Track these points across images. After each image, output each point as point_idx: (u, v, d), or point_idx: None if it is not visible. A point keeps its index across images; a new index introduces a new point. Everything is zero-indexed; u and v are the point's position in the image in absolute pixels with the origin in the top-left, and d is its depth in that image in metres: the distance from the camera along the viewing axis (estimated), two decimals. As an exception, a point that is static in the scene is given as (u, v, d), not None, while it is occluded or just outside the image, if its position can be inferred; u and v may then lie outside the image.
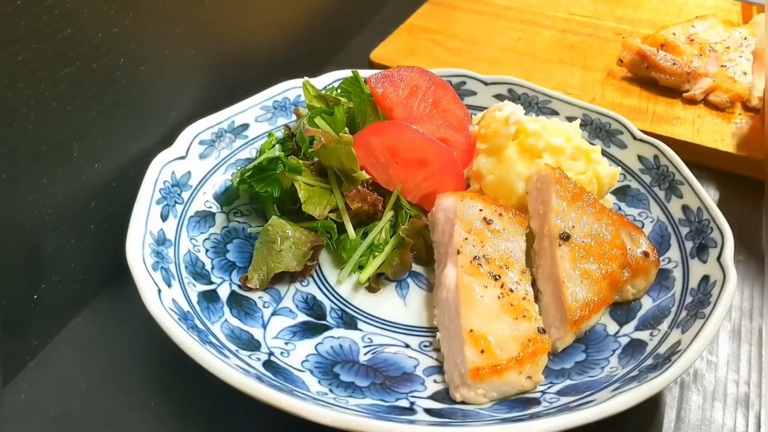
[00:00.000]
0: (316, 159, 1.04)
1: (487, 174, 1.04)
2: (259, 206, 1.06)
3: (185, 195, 1.01)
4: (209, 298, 0.91)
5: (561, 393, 0.82)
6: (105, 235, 0.95)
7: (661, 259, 0.98)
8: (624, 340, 0.90)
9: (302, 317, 0.93)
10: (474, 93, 1.26)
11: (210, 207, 1.04)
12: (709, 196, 1.00)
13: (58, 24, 0.80)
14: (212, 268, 0.96)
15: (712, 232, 0.95)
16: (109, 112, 0.93)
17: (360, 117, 1.10)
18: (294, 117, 1.17)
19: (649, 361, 0.83)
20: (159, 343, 0.79)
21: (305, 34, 1.44)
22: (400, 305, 0.98)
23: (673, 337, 0.85)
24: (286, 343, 0.89)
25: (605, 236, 0.93)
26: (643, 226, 1.04)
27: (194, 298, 0.89)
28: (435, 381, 0.86)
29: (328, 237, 1.00)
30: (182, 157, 1.03)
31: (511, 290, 0.88)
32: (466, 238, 0.93)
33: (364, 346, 0.90)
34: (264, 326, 0.91)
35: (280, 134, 1.13)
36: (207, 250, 0.98)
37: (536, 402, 0.81)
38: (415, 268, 1.03)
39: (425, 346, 0.91)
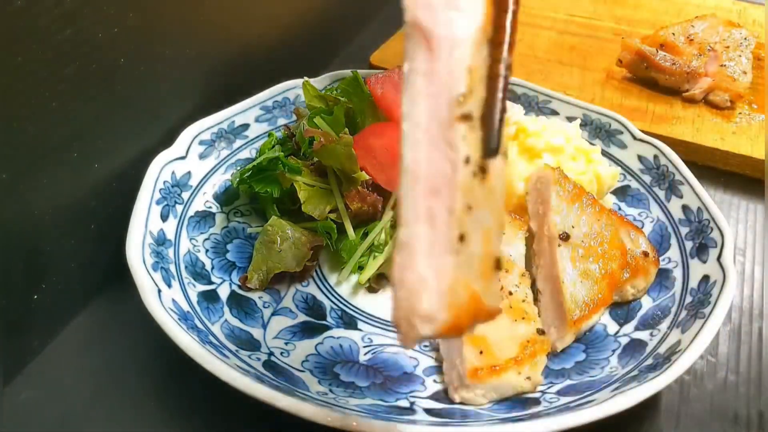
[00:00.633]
0: (315, 159, 1.04)
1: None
2: (259, 206, 1.06)
3: (185, 195, 1.01)
4: (209, 298, 0.91)
5: (561, 393, 0.82)
6: (105, 235, 0.95)
7: (661, 259, 0.98)
8: (624, 340, 0.90)
9: (302, 317, 0.93)
10: (474, 93, 1.26)
11: (210, 207, 1.04)
12: (709, 196, 1.00)
13: (58, 24, 0.80)
14: (212, 268, 0.96)
15: (712, 232, 0.95)
16: (109, 112, 0.93)
17: (360, 117, 1.10)
18: (294, 117, 1.17)
19: (649, 361, 0.83)
20: (159, 343, 0.79)
21: (305, 34, 1.44)
22: (400, 305, 0.98)
23: (673, 337, 0.85)
24: (286, 343, 0.89)
25: (605, 236, 0.93)
26: (643, 226, 1.04)
27: (194, 298, 0.89)
28: (435, 381, 0.86)
29: (327, 237, 1.00)
30: (182, 158, 1.03)
31: (511, 293, 0.88)
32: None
33: (364, 346, 0.90)
34: (264, 326, 0.91)
35: (280, 134, 1.13)
36: (207, 251, 0.98)
37: (536, 402, 0.81)
38: (415, 268, 1.03)
39: (425, 346, 0.91)
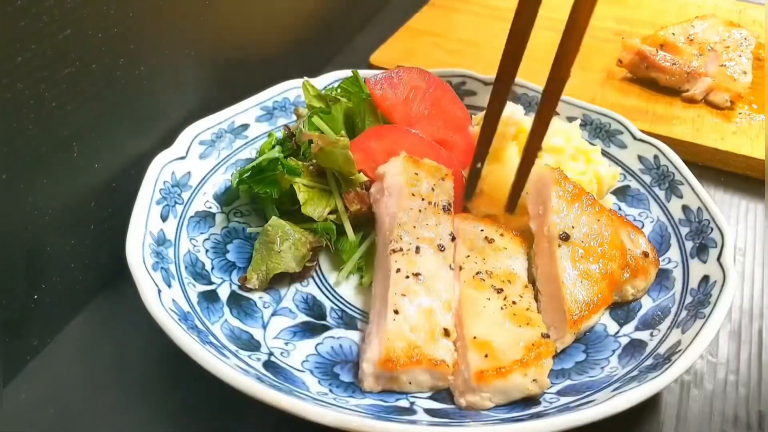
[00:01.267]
0: (315, 160, 1.04)
1: (487, 175, 1.04)
2: (258, 207, 1.06)
3: (185, 195, 1.01)
4: (209, 298, 0.91)
5: (561, 393, 0.82)
6: (105, 235, 0.95)
7: (661, 259, 0.98)
8: (624, 340, 0.90)
9: (302, 317, 0.93)
10: (474, 93, 1.26)
11: (210, 207, 1.04)
12: (709, 196, 1.00)
13: (58, 24, 0.80)
14: (212, 268, 0.96)
15: (712, 232, 0.95)
16: (109, 113, 0.93)
17: (359, 117, 1.10)
18: (294, 117, 1.17)
19: (649, 361, 0.83)
20: (159, 343, 0.79)
21: (305, 34, 1.44)
22: (400, 305, 0.98)
23: (673, 337, 0.85)
24: (286, 344, 0.89)
25: (605, 236, 0.93)
26: (643, 226, 1.04)
27: (194, 299, 0.89)
28: (435, 381, 0.86)
29: (327, 238, 1.00)
30: (182, 158, 1.03)
31: (514, 302, 0.88)
32: (468, 255, 0.94)
33: (364, 347, 0.90)
34: (264, 326, 0.91)
35: (279, 134, 1.13)
36: (207, 251, 0.98)
37: (536, 402, 0.81)
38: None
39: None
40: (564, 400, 0.80)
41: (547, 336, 0.84)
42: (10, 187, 0.80)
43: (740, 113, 1.36)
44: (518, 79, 1.24)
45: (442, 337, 0.83)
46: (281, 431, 0.79)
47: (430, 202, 0.95)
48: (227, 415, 0.83)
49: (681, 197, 1.03)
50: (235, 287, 0.95)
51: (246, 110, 1.14)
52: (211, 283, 0.94)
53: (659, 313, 0.91)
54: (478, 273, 0.92)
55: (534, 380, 0.80)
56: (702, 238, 0.96)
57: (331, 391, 0.82)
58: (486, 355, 0.82)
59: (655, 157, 1.10)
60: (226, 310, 0.91)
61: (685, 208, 1.02)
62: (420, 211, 0.94)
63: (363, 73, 1.16)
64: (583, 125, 1.16)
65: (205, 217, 1.02)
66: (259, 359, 0.84)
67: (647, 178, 1.09)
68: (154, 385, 0.88)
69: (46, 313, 0.90)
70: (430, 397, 0.83)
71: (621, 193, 1.11)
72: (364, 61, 1.52)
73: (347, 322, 0.94)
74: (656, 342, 0.86)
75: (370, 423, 0.72)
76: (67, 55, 0.83)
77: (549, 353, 0.83)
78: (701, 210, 0.99)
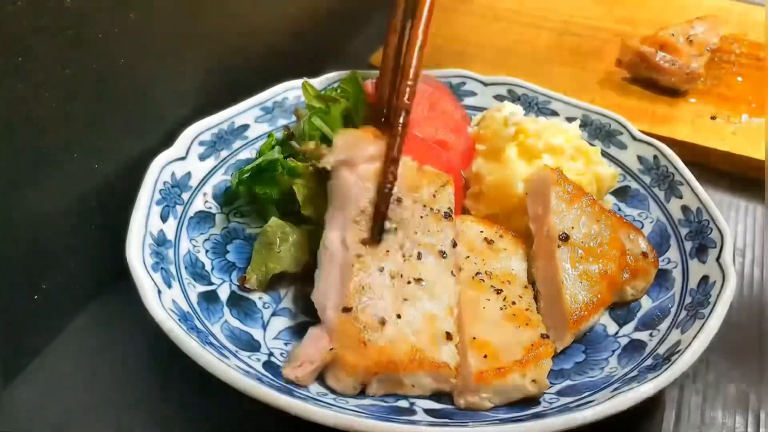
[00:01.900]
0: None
1: (487, 175, 1.04)
2: (258, 207, 1.06)
3: (185, 196, 1.01)
4: (209, 298, 0.91)
5: (560, 393, 0.82)
6: (105, 235, 0.95)
7: (660, 259, 0.98)
8: (623, 341, 0.90)
9: (302, 318, 0.93)
10: (474, 93, 1.26)
11: (210, 208, 1.04)
12: (709, 196, 1.00)
13: (58, 24, 0.80)
14: (212, 268, 0.96)
15: (712, 232, 0.95)
16: (109, 113, 0.93)
17: (357, 118, 1.10)
18: (294, 118, 1.17)
19: (649, 362, 0.83)
20: (159, 343, 0.79)
21: (305, 34, 1.44)
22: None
23: (673, 337, 0.85)
24: (286, 344, 0.89)
25: (604, 237, 0.93)
26: (642, 227, 1.04)
27: (194, 299, 0.89)
28: (435, 381, 0.86)
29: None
30: (182, 158, 1.03)
31: (514, 302, 0.89)
32: (468, 256, 0.94)
33: (364, 347, 0.90)
34: (264, 327, 0.91)
35: (279, 135, 1.13)
36: (207, 251, 0.98)
37: (536, 402, 0.81)
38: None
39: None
40: (563, 400, 0.80)
41: (547, 336, 0.84)
42: (10, 187, 0.80)
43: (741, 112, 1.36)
44: (518, 80, 1.25)
45: (445, 340, 0.83)
46: (281, 431, 0.79)
47: (431, 209, 0.95)
48: (227, 416, 0.83)
49: (680, 198, 1.03)
50: (235, 288, 0.95)
51: (246, 111, 1.14)
52: (211, 283, 0.94)
53: (659, 313, 0.91)
54: (477, 274, 0.92)
55: (533, 381, 0.80)
56: (701, 238, 0.96)
57: (330, 391, 0.82)
58: (485, 356, 0.82)
59: (655, 157, 1.10)
60: (226, 310, 0.91)
61: (685, 209, 1.02)
62: (421, 217, 0.94)
63: (363, 73, 1.16)
64: (582, 125, 1.16)
65: (205, 218, 1.02)
66: (259, 360, 0.84)
67: (647, 179, 1.09)
68: (154, 385, 0.88)
69: (46, 314, 0.90)
70: (429, 398, 0.83)
71: (621, 193, 1.11)
72: (364, 61, 1.52)
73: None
74: (656, 342, 0.86)
75: (369, 423, 0.72)
76: (67, 55, 0.83)
77: (548, 354, 0.83)
78: (701, 210, 0.99)
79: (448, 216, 0.95)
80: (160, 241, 0.93)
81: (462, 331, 0.86)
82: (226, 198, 1.06)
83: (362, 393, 0.82)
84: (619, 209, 1.09)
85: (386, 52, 1.10)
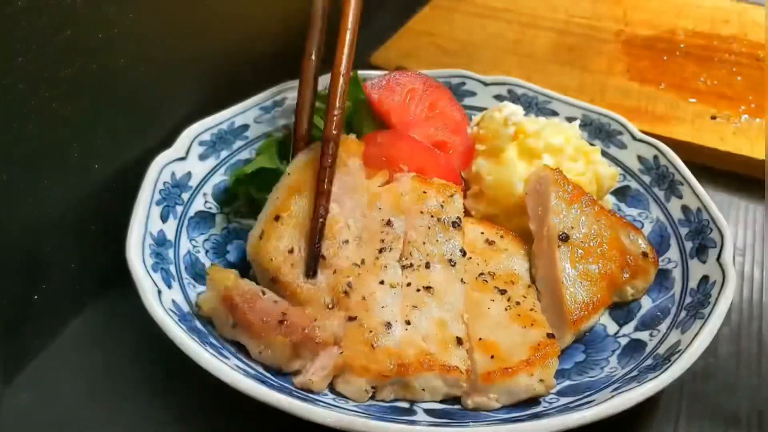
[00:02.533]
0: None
1: (487, 175, 1.04)
2: (258, 208, 1.06)
3: (185, 196, 1.01)
4: (209, 298, 0.91)
5: (560, 393, 0.82)
6: (105, 236, 0.95)
7: (660, 259, 0.98)
8: (624, 341, 0.90)
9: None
10: (474, 94, 1.26)
11: (210, 208, 1.04)
12: (709, 196, 1.00)
13: (58, 24, 0.80)
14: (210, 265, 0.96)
15: (712, 232, 0.95)
16: (108, 113, 0.93)
17: (357, 118, 1.10)
18: (294, 118, 1.17)
19: (649, 362, 0.83)
20: (159, 343, 0.79)
21: (305, 35, 1.44)
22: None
23: (673, 337, 0.85)
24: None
25: (604, 237, 0.93)
26: (642, 227, 1.04)
27: (194, 299, 0.89)
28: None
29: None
30: (182, 158, 1.03)
31: (518, 303, 0.89)
32: (470, 258, 0.94)
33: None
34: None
35: (279, 135, 1.13)
36: (207, 251, 0.98)
37: (536, 402, 0.81)
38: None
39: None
40: (564, 400, 0.80)
41: (552, 336, 0.84)
42: (10, 187, 0.80)
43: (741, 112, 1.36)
44: (518, 80, 1.24)
45: (455, 345, 0.83)
46: (281, 431, 0.79)
47: (439, 219, 0.95)
48: (227, 416, 0.83)
49: (681, 197, 1.03)
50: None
51: (245, 111, 1.14)
52: (211, 283, 0.94)
53: (659, 313, 0.91)
54: (480, 275, 0.92)
55: (540, 380, 0.80)
56: (701, 238, 0.96)
57: (330, 391, 0.82)
58: (492, 356, 0.82)
59: (655, 157, 1.10)
60: (226, 310, 0.91)
61: (685, 209, 1.02)
62: (429, 228, 0.95)
63: (363, 73, 1.16)
64: (582, 125, 1.16)
65: (205, 218, 1.02)
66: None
67: (647, 179, 1.09)
68: (154, 385, 0.88)
69: (46, 314, 0.90)
70: (430, 398, 0.83)
71: (621, 193, 1.11)
72: (365, 61, 1.52)
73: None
74: (656, 342, 0.86)
75: (369, 423, 0.72)
76: (67, 55, 0.83)
77: (555, 353, 0.83)
78: (701, 210, 0.99)
79: (456, 225, 0.96)
80: (160, 241, 0.93)
81: (468, 332, 0.86)
82: (226, 198, 1.06)
83: (372, 398, 0.82)
84: (619, 209, 1.09)
85: (303, 79, 1.03)
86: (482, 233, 0.99)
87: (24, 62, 0.76)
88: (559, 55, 1.57)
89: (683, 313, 0.88)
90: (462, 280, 0.91)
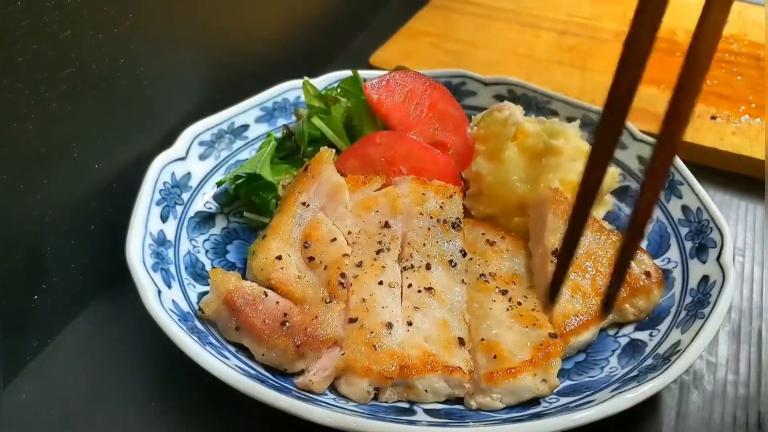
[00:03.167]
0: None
1: (487, 175, 1.04)
2: (257, 208, 1.06)
3: (185, 196, 1.01)
4: (209, 298, 0.91)
5: (560, 393, 0.82)
6: (105, 236, 0.95)
7: (660, 259, 0.98)
8: (623, 341, 0.90)
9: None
10: (474, 93, 1.26)
11: (210, 208, 1.04)
12: (709, 196, 1.00)
13: (58, 25, 0.80)
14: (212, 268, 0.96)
15: (712, 232, 0.95)
16: (109, 113, 0.93)
17: (357, 119, 1.10)
18: (294, 118, 1.17)
19: (649, 362, 0.83)
20: (159, 343, 0.79)
21: (305, 34, 1.44)
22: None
23: (673, 337, 0.85)
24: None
25: (602, 255, 0.92)
26: (642, 227, 1.04)
27: (194, 299, 0.89)
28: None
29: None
30: (182, 158, 1.03)
31: (519, 303, 0.89)
32: (471, 258, 0.95)
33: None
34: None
35: (279, 134, 1.13)
36: (207, 251, 0.98)
37: (536, 402, 0.81)
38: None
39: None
40: (563, 400, 0.80)
41: (555, 336, 0.84)
42: (10, 187, 0.80)
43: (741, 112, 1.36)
44: (518, 80, 1.24)
45: (458, 346, 0.83)
46: (281, 431, 0.79)
47: (438, 220, 0.95)
48: (227, 416, 0.83)
49: (680, 197, 1.03)
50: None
51: (246, 111, 1.14)
52: (211, 283, 0.94)
53: (659, 313, 0.91)
54: (481, 275, 0.92)
55: (544, 380, 0.81)
56: (701, 238, 0.96)
57: (330, 391, 0.82)
58: (495, 357, 0.82)
59: (655, 157, 1.09)
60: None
61: (685, 209, 1.01)
62: (429, 229, 0.95)
63: (363, 73, 1.16)
64: (583, 125, 1.16)
65: (205, 218, 1.02)
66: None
67: (647, 179, 1.09)
68: (154, 385, 0.88)
69: (46, 314, 0.90)
70: (430, 397, 0.83)
71: (621, 193, 1.10)
72: (365, 61, 1.52)
73: (347, 322, 0.94)
74: (656, 342, 0.86)
75: (369, 423, 0.72)
76: (67, 55, 0.83)
77: (557, 353, 0.83)
78: (701, 210, 0.99)
79: (456, 226, 0.96)
80: (160, 241, 0.93)
81: (470, 333, 0.86)
82: (226, 198, 1.06)
83: (375, 400, 0.82)
84: (619, 209, 1.09)
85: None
86: (483, 234, 0.99)
87: (24, 62, 0.76)
88: (559, 55, 1.57)
89: (683, 313, 0.88)
90: (463, 280, 0.90)
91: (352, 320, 0.84)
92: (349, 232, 0.94)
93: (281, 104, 1.17)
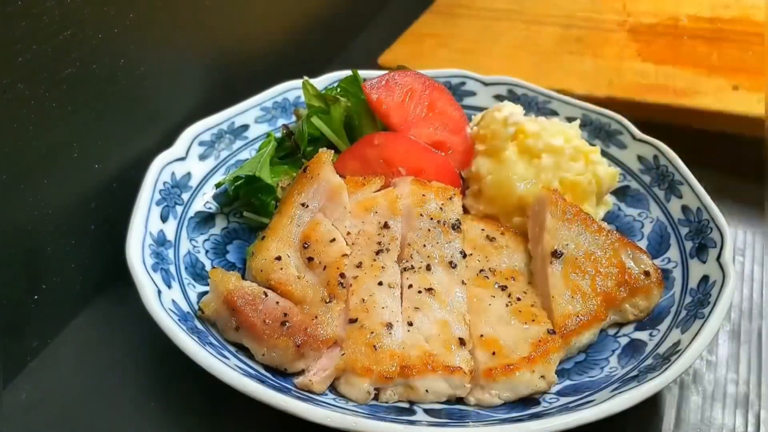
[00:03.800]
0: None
1: (487, 175, 1.04)
2: (257, 208, 1.06)
3: (185, 196, 1.01)
4: (209, 298, 0.91)
5: (560, 393, 0.82)
6: (105, 236, 0.95)
7: (660, 259, 0.98)
8: (623, 341, 0.90)
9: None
10: (474, 93, 1.26)
11: (210, 208, 1.04)
12: (709, 196, 1.00)
13: (59, 25, 0.80)
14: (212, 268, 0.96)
15: (712, 232, 0.95)
16: (109, 113, 0.93)
17: (357, 119, 1.10)
18: (294, 118, 1.17)
19: (649, 361, 0.83)
20: (159, 343, 0.79)
21: (305, 35, 1.44)
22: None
23: (673, 337, 0.85)
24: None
25: (601, 255, 0.92)
26: (642, 227, 1.04)
27: (194, 299, 0.89)
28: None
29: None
30: (182, 158, 1.03)
31: (519, 299, 0.89)
32: (471, 254, 0.95)
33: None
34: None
35: (279, 134, 1.13)
36: (207, 251, 0.98)
37: (536, 402, 0.81)
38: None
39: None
40: (564, 400, 0.80)
41: (553, 332, 0.84)
42: (10, 187, 0.80)
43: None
44: (518, 80, 1.24)
45: (458, 346, 0.83)
46: (281, 431, 0.79)
47: (438, 221, 0.95)
48: (227, 416, 0.83)
49: (681, 197, 1.03)
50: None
51: (246, 111, 1.14)
52: (210, 283, 0.94)
53: (659, 313, 0.91)
54: (481, 271, 0.93)
55: (542, 376, 0.81)
56: (701, 238, 0.96)
57: (330, 391, 0.82)
58: (493, 353, 0.82)
59: (655, 157, 1.10)
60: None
61: (685, 208, 1.01)
62: (429, 230, 0.95)
63: (363, 73, 1.16)
64: (582, 125, 1.16)
65: (205, 218, 1.02)
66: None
67: (647, 179, 1.09)
68: (154, 385, 0.88)
69: (46, 314, 0.90)
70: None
71: (621, 193, 1.10)
72: (365, 61, 1.52)
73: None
74: (656, 342, 0.86)
75: (369, 423, 0.72)
76: (67, 55, 0.83)
77: (556, 349, 0.83)
78: (701, 210, 0.99)
79: (455, 228, 0.96)
80: (160, 241, 0.93)
81: (469, 329, 0.86)
82: (226, 198, 1.06)
83: (375, 400, 0.82)
84: (619, 209, 1.09)
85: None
86: (483, 230, 0.99)
87: (24, 62, 0.76)
88: (567, 46, 1.57)
89: (683, 313, 0.88)
90: (463, 281, 0.90)
91: (352, 320, 0.84)
92: (348, 233, 0.94)
93: (281, 104, 1.17)
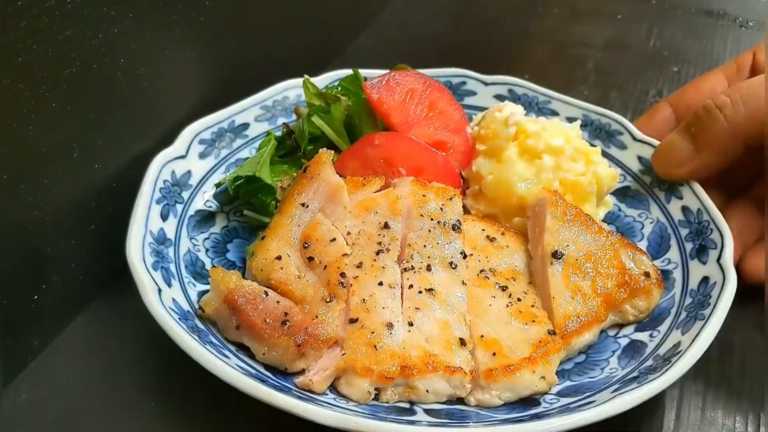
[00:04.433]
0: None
1: (487, 175, 1.04)
2: (257, 207, 1.06)
3: (185, 194, 1.01)
4: (209, 298, 0.91)
5: (561, 394, 0.82)
6: (105, 235, 0.95)
7: (660, 260, 0.98)
8: (624, 341, 0.90)
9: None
10: (474, 93, 1.26)
11: (210, 206, 1.04)
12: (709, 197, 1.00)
13: (59, 25, 0.80)
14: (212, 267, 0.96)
15: (712, 233, 0.95)
16: (109, 113, 0.93)
17: (357, 118, 1.10)
18: (294, 117, 1.17)
19: (649, 363, 0.83)
20: (159, 343, 0.79)
21: (305, 34, 1.44)
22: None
23: (673, 338, 0.85)
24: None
25: (602, 256, 0.92)
26: (642, 227, 1.04)
27: (194, 298, 0.89)
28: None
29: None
30: (182, 157, 1.03)
31: (519, 299, 0.89)
32: (471, 254, 0.95)
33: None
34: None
35: (279, 133, 1.13)
36: (207, 250, 0.98)
37: (536, 403, 0.81)
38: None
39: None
40: (564, 401, 0.80)
41: (554, 333, 0.84)
42: (11, 187, 0.80)
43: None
44: (518, 80, 1.24)
45: (459, 346, 0.83)
46: (281, 431, 0.79)
47: (439, 222, 0.96)
48: (227, 415, 0.83)
49: (681, 198, 1.03)
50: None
51: (246, 109, 1.14)
52: (211, 282, 0.94)
53: (659, 314, 0.91)
54: (481, 271, 0.93)
55: (542, 377, 0.81)
56: (702, 239, 0.96)
57: (330, 391, 0.82)
58: (494, 353, 0.82)
59: (655, 157, 1.10)
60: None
61: (685, 209, 1.02)
62: (429, 231, 0.95)
63: (363, 72, 1.16)
64: (583, 126, 1.16)
65: (206, 217, 1.02)
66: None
67: (647, 179, 1.09)
68: (154, 384, 0.88)
69: (46, 314, 0.90)
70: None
71: (621, 194, 1.11)
72: (365, 61, 1.51)
73: (347, 322, 0.94)
74: (656, 343, 0.86)
75: (369, 423, 0.72)
76: (67, 55, 0.83)
77: (556, 350, 0.83)
78: (701, 211, 0.99)
79: (456, 228, 0.96)
80: (161, 239, 0.93)
81: (469, 329, 0.86)
82: (226, 197, 1.06)
83: (375, 400, 0.82)
84: (620, 209, 1.09)
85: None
86: (483, 230, 0.99)
87: (25, 63, 0.76)
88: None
89: (683, 314, 0.88)
90: (463, 282, 0.91)
91: (353, 320, 0.84)
92: (349, 233, 0.94)
93: (281, 103, 1.17)
